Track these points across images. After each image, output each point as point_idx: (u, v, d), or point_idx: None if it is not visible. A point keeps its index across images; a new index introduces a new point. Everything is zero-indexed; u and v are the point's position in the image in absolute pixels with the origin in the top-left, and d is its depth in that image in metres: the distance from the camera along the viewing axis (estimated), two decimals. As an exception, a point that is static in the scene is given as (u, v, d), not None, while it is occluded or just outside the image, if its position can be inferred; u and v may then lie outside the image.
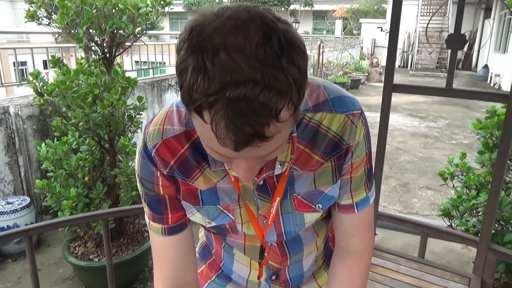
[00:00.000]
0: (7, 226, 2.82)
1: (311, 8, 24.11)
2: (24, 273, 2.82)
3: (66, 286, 2.73)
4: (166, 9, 2.59)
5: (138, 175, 0.73)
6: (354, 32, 20.97)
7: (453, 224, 2.44)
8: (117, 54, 2.58)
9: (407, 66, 17.93)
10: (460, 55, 17.49)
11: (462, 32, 1.51)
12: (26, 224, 2.86)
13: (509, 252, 1.58)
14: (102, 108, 2.20)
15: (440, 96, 1.63)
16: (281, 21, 0.50)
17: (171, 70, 5.85)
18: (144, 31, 2.56)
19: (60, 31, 2.54)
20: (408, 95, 10.57)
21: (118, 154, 2.57)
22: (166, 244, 0.78)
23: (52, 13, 2.39)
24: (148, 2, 2.47)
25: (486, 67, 14.44)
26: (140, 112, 2.51)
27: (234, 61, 0.46)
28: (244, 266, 0.88)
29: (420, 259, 1.76)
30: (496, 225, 2.32)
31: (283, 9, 21.64)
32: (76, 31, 2.28)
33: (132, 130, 2.67)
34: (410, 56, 17.85)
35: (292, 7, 22.85)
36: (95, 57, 2.57)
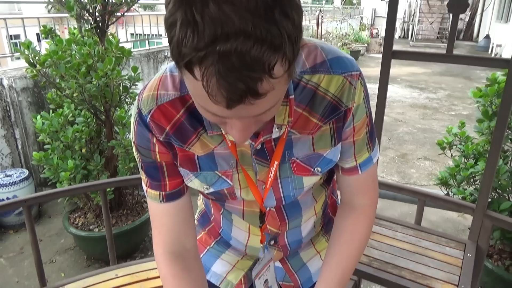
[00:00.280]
0: (7, 198, 2.83)
1: (310, -23, 23.49)
2: (26, 243, 2.86)
3: (68, 255, 2.77)
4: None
5: (134, 143, 0.72)
6: (354, 2, 20.51)
7: (450, 193, 2.46)
8: (110, 23, 2.51)
9: (408, 37, 17.66)
10: (461, 25, 17.18)
11: (464, -3, 1.46)
12: (25, 197, 2.88)
13: (504, 218, 1.59)
14: (96, 79, 2.16)
15: (440, 62, 1.60)
16: None
17: (167, 42, 5.73)
18: (137, -1, 2.49)
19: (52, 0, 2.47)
20: (408, 66, 10.46)
21: (115, 126, 2.55)
22: (164, 211, 0.77)
23: (42, -21, 2.31)
24: (141, -32, 2.38)
25: (487, 37, 14.23)
26: (136, 83, 2.47)
27: (224, 13, 0.43)
28: (242, 231, 0.88)
29: (416, 226, 1.78)
30: (493, 194, 2.34)
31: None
32: (67, -2, 2.21)
33: (128, 102, 2.64)
34: (410, 27, 17.54)
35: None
36: (87, 26, 2.51)
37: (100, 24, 2.44)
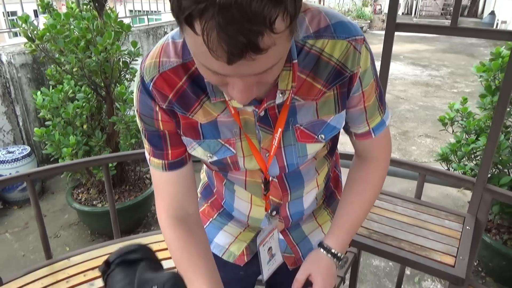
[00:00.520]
0: (9, 174, 2.85)
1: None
2: (31, 218, 2.90)
3: (72, 230, 2.82)
4: None
5: (137, 111, 0.72)
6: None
7: (450, 168, 2.47)
8: (108, -4, 2.47)
9: (411, 13, 17.34)
10: (466, 1, 16.84)
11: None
12: (28, 173, 2.90)
13: (504, 191, 1.60)
14: (96, 53, 2.14)
15: (444, 34, 1.57)
16: None
17: (166, 17, 5.65)
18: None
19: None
20: (411, 43, 10.31)
21: (115, 102, 2.54)
22: (167, 179, 0.78)
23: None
24: None
25: (492, 13, 13.95)
26: (136, 58, 2.45)
27: None
28: (245, 202, 0.89)
29: (416, 200, 1.80)
30: (493, 170, 2.35)
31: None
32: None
33: (128, 78, 2.62)
34: (414, 2, 17.19)
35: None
36: (85, 0, 2.46)
37: (98, -3, 2.40)
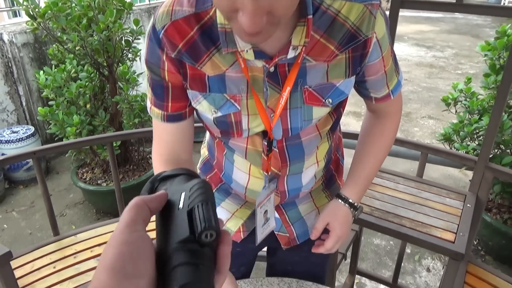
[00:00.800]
0: (15, 154, 2.88)
1: None
2: (36, 197, 2.95)
3: (77, 209, 2.86)
4: None
5: (145, 59, 0.74)
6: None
7: (453, 148, 2.48)
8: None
9: (416, -7, 16.99)
10: (473, -20, 16.48)
11: None
12: (33, 152, 2.93)
13: (505, 170, 1.61)
14: (97, 31, 2.12)
15: (449, 11, 1.55)
16: None
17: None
18: None
19: None
20: (415, 24, 10.16)
21: (118, 82, 2.54)
22: (164, 128, 0.81)
23: None
24: None
25: (499, -7, 13.67)
26: (138, 37, 2.44)
27: None
28: (243, 173, 0.89)
29: (418, 178, 1.81)
30: (496, 150, 2.36)
31: None
32: None
33: (130, 58, 2.61)
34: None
35: None
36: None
37: (99, -25, 2.37)
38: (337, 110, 0.84)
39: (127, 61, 2.61)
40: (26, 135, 2.95)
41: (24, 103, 3.23)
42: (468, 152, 2.34)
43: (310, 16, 0.65)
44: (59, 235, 1.77)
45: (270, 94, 0.72)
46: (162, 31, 0.68)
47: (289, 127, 0.77)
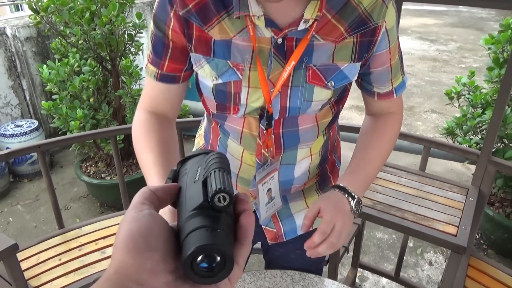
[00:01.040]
0: (19, 148, 2.90)
1: None
2: (41, 191, 2.97)
3: (81, 203, 2.88)
4: None
5: (153, 14, 0.74)
6: None
7: (456, 142, 2.48)
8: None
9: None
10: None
11: None
12: (37, 146, 2.94)
13: (508, 163, 1.61)
14: (100, 25, 2.13)
15: (454, 4, 1.55)
16: None
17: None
18: None
19: None
20: (419, 17, 10.09)
21: (121, 76, 2.55)
22: (155, 87, 0.80)
23: None
24: None
25: (504, -15, 13.54)
26: (141, 31, 2.43)
27: None
28: (236, 160, 0.89)
29: (420, 172, 1.82)
30: (499, 144, 2.36)
31: None
32: None
33: (133, 52, 2.61)
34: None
35: None
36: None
37: (102, -32, 2.36)
38: (337, 104, 0.84)
39: (130, 55, 2.61)
40: (30, 129, 2.96)
41: (27, 97, 3.24)
42: (471, 146, 2.34)
43: None
44: (64, 228, 1.79)
45: (274, 67, 0.72)
46: None
47: (288, 105, 0.77)
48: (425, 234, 1.42)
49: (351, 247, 1.98)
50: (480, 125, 2.35)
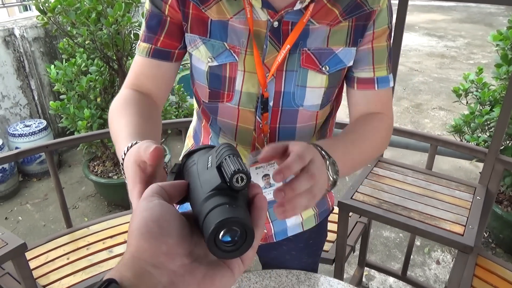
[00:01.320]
0: (28, 147, 2.94)
1: None
2: (50, 190, 3.00)
3: (89, 202, 2.91)
4: None
5: None
6: None
7: (463, 140, 2.45)
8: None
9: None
10: (487, -33, 16.11)
11: None
12: (45, 146, 2.98)
13: (517, 162, 1.60)
14: (107, 25, 2.14)
15: (462, 0, 1.53)
16: None
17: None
18: None
19: None
20: (427, 13, 9.99)
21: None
22: (144, 63, 0.77)
23: None
24: None
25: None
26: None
27: None
28: None
29: (427, 170, 1.80)
30: (507, 141, 2.33)
31: None
32: None
33: (139, 51, 2.62)
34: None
35: None
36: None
37: (108, -32, 2.38)
38: (336, 99, 0.84)
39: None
40: (38, 128, 3.00)
41: (36, 97, 3.27)
42: (479, 144, 2.32)
43: None
44: (72, 227, 1.81)
45: (269, 51, 0.72)
46: None
47: (282, 90, 0.76)
48: (431, 233, 1.41)
49: (358, 246, 1.98)
50: (488, 122, 2.33)
